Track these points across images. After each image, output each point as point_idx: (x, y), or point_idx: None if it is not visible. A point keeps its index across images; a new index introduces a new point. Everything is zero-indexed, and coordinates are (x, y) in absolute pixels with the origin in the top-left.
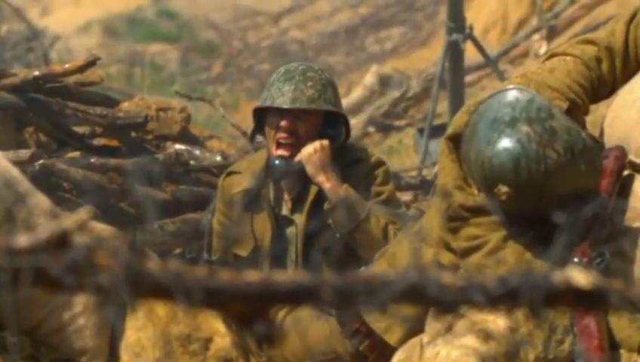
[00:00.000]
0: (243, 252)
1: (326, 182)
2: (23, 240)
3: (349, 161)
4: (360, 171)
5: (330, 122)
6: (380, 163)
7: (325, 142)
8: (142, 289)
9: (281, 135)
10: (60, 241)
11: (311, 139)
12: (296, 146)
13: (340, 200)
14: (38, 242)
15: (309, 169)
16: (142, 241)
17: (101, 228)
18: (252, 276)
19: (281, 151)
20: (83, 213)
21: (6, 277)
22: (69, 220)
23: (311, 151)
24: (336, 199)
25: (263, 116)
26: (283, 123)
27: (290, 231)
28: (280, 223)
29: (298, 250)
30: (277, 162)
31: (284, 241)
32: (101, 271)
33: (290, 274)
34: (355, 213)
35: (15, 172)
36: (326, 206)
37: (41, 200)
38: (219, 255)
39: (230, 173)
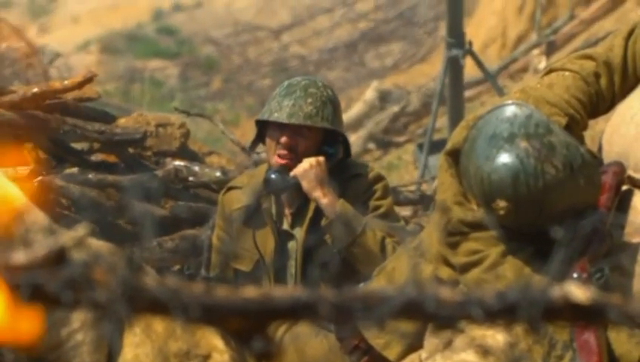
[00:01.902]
0: (245, 267)
1: (322, 198)
2: (20, 256)
3: (348, 176)
4: (359, 186)
5: (329, 140)
6: (379, 178)
7: (321, 158)
8: (139, 305)
9: (281, 152)
10: (58, 258)
11: (310, 155)
12: (294, 161)
13: (336, 216)
14: (35, 258)
15: (305, 185)
16: (140, 257)
17: (99, 244)
18: (250, 292)
19: (280, 161)
20: (80, 229)
21: None
22: (67, 237)
23: (307, 167)
24: (332, 215)
25: (264, 128)
26: (283, 139)
27: (291, 245)
28: (282, 238)
29: (298, 265)
30: (273, 176)
31: (285, 256)
32: (98, 287)
33: (288, 290)
34: (352, 228)
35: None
36: (323, 222)
37: (38, 217)
38: (217, 271)
39: (230, 189)
